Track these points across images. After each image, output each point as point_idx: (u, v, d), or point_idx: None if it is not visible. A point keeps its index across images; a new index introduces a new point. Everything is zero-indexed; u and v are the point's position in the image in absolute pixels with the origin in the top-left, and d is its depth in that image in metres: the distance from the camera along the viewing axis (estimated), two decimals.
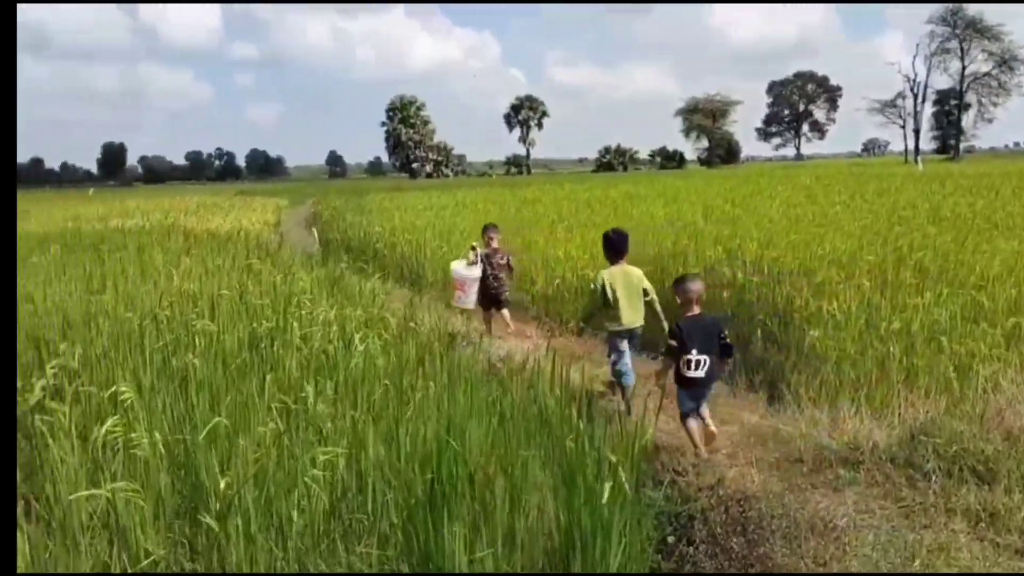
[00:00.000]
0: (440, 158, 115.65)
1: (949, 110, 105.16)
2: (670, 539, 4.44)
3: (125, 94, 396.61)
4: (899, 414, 5.62)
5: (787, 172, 51.12)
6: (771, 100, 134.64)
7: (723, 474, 5.09)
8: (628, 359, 6.59)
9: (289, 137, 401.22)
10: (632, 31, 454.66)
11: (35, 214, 29.62)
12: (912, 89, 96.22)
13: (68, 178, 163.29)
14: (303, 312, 6.89)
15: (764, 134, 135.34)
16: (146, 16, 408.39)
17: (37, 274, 9.62)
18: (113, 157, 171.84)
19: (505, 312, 9.42)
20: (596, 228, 12.32)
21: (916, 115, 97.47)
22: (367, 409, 4.82)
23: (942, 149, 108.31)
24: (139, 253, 11.92)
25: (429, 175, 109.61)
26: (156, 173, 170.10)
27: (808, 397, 6.10)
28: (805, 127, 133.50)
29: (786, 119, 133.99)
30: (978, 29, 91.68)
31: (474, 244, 9.43)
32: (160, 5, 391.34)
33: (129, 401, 4.39)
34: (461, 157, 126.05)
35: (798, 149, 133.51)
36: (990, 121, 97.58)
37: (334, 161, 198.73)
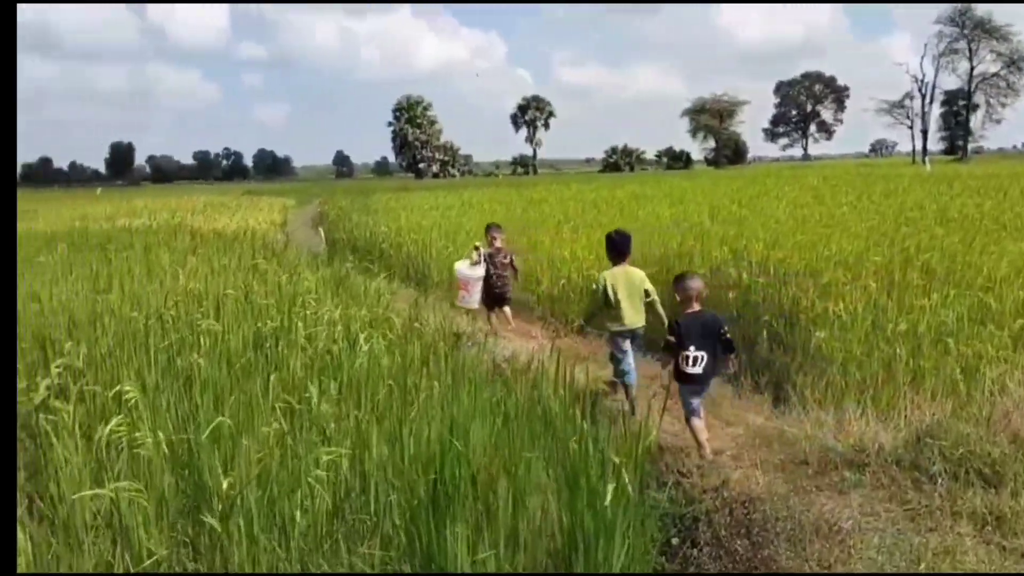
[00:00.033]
0: (446, 158, 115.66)
1: (957, 111, 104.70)
2: (674, 541, 4.42)
3: (133, 94, 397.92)
4: (905, 416, 5.59)
5: (794, 172, 50.96)
6: (778, 100, 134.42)
7: (728, 476, 5.07)
8: (631, 359, 6.61)
9: (296, 137, 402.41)
10: (639, 31, 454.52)
11: (43, 213, 29.74)
12: (920, 89, 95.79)
13: (76, 177, 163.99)
14: (308, 312, 6.89)
15: (771, 134, 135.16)
16: (154, 16, 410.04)
17: (44, 273, 9.65)
18: (121, 157, 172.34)
19: (507, 309, 9.45)
20: (602, 228, 12.28)
21: (924, 116, 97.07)
22: (371, 409, 4.81)
23: (950, 150, 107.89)
24: (145, 253, 11.95)
25: (435, 175, 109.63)
26: (164, 172, 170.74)
27: (814, 399, 6.08)
28: (812, 127, 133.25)
29: (793, 119, 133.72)
30: (986, 29, 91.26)
31: (477, 244, 9.46)
32: (168, 5, 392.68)
33: (133, 401, 4.39)
34: (467, 157, 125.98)
35: (805, 149, 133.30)
36: (998, 122, 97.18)
37: (341, 161, 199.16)
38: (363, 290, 9.06)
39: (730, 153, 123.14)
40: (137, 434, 4.05)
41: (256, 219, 26.88)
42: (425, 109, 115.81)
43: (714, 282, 9.04)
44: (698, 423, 5.59)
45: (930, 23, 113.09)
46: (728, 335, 5.58)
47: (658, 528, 4.41)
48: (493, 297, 9.31)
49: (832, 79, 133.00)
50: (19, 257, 11.37)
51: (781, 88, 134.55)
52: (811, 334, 6.88)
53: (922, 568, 3.93)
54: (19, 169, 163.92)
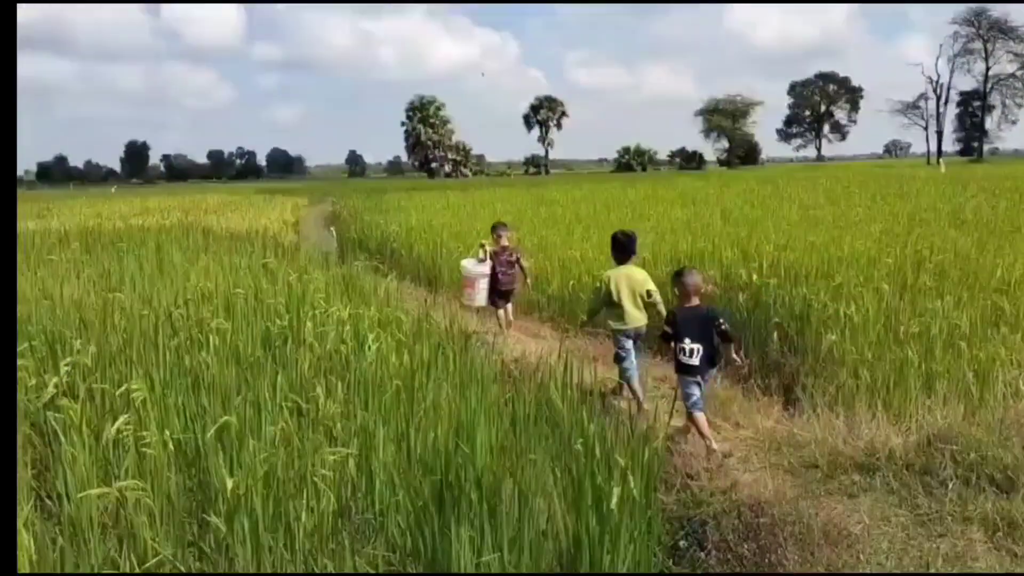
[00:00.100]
0: (459, 158, 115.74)
1: (973, 111, 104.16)
2: (682, 544, 4.40)
3: (149, 93, 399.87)
4: (916, 420, 5.55)
5: (807, 173, 50.80)
6: (792, 101, 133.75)
7: (736, 479, 5.03)
8: (633, 359, 6.69)
9: (310, 137, 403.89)
10: (652, 32, 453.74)
11: (57, 211, 29.95)
12: (935, 90, 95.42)
13: (91, 176, 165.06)
14: (317, 312, 6.89)
15: (785, 135, 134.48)
16: (169, 17, 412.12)
17: (56, 271, 9.71)
18: (136, 155, 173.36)
19: (508, 307, 9.49)
20: (613, 229, 12.19)
21: (939, 116, 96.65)
22: (378, 410, 4.80)
23: (965, 151, 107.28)
24: (157, 251, 12.00)
25: (448, 175, 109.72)
26: (178, 171, 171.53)
27: (824, 401, 6.03)
28: (826, 128, 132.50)
29: (807, 120, 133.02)
30: (1003, 30, 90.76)
31: (484, 242, 9.57)
32: (184, 5, 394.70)
33: (141, 399, 4.39)
34: (480, 157, 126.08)
35: (819, 150, 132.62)
36: (1014, 123, 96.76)
37: (354, 160, 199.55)
38: (372, 290, 9.06)
39: (743, 154, 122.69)
40: (144, 433, 4.06)
41: (268, 218, 26.96)
42: (438, 109, 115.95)
43: (725, 284, 9.01)
44: (701, 416, 5.64)
45: (946, 24, 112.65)
46: (724, 326, 5.74)
47: (666, 531, 4.39)
48: (499, 295, 9.39)
49: (846, 79, 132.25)
50: (32, 255, 11.46)
51: (795, 88, 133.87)
52: (822, 336, 6.83)
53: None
54: (35, 167, 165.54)
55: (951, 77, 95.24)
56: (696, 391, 5.67)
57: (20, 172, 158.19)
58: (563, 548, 3.72)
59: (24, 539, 3.15)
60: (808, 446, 5.36)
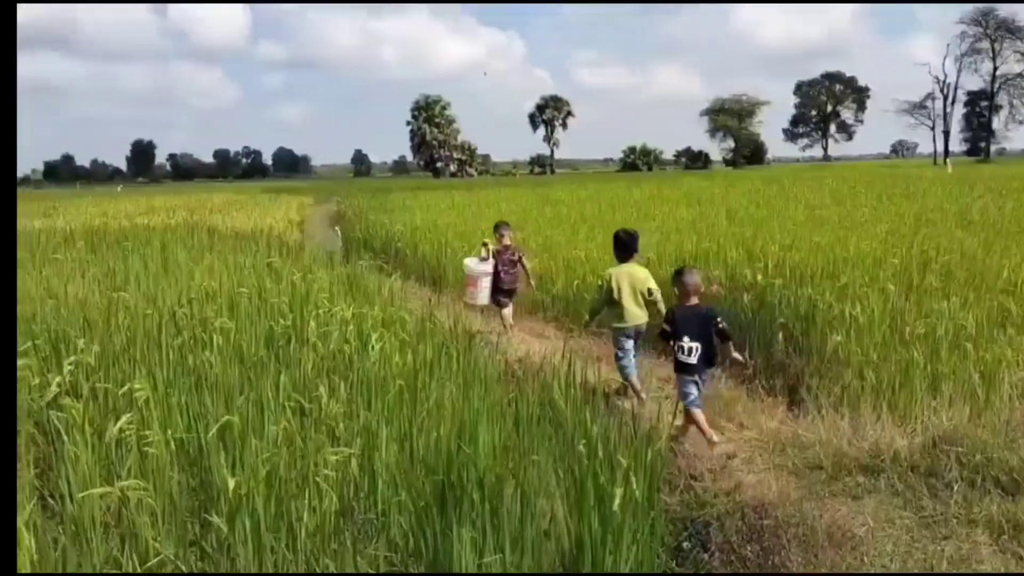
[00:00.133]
0: (464, 157, 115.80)
1: (980, 111, 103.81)
2: (685, 545, 4.38)
3: (155, 93, 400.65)
4: (921, 421, 5.52)
5: (813, 173, 50.68)
6: (798, 100, 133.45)
7: (740, 480, 5.01)
8: (632, 357, 6.79)
9: (315, 136, 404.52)
10: (658, 31, 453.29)
11: (63, 210, 30.03)
12: (942, 90, 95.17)
13: (98, 175, 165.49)
14: (321, 311, 6.89)
15: (791, 135, 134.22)
16: (176, 17, 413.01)
17: (61, 270, 9.73)
18: (142, 154, 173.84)
19: (509, 308, 9.50)
20: (618, 229, 12.23)
21: (946, 116, 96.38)
22: (381, 410, 4.79)
23: (972, 151, 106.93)
24: (162, 250, 12.02)
25: (453, 174, 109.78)
26: (184, 170, 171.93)
27: (829, 402, 6.00)
28: (832, 128, 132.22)
29: (813, 120, 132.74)
30: (1010, 30, 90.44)
31: (486, 240, 9.61)
32: (190, 5, 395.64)
33: (144, 398, 4.39)
34: (485, 156, 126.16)
35: (825, 150, 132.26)
36: (1022, 123, 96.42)
37: (359, 160, 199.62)
38: (376, 289, 9.06)
39: (749, 153, 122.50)
40: (147, 432, 4.06)
41: (274, 217, 27.00)
42: (443, 108, 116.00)
43: (730, 284, 8.99)
44: (699, 413, 5.69)
45: (953, 23, 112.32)
46: (722, 325, 5.79)
47: (669, 532, 4.37)
48: (502, 294, 9.42)
49: (853, 79, 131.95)
50: (37, 254, 11.50)
51: (801, 88, 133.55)
52: (827, 337, 6.79)
53: None
54: (41, 166, 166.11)
55: (958, 77, 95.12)
56: (693, 390, 5.71)
57: (27, 171, 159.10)
58: (565, 549, 3.71)
59: (26, 538, 3.14)
60: (812, 447, 5.34)
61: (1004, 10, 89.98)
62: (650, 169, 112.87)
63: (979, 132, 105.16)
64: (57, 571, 3.27)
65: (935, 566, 3.93)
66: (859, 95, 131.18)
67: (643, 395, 6.65)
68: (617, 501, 3.49)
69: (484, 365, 6.02)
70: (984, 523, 4.26)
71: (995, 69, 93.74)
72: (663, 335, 5.88)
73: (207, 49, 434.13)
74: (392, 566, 3.60)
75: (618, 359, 6.80)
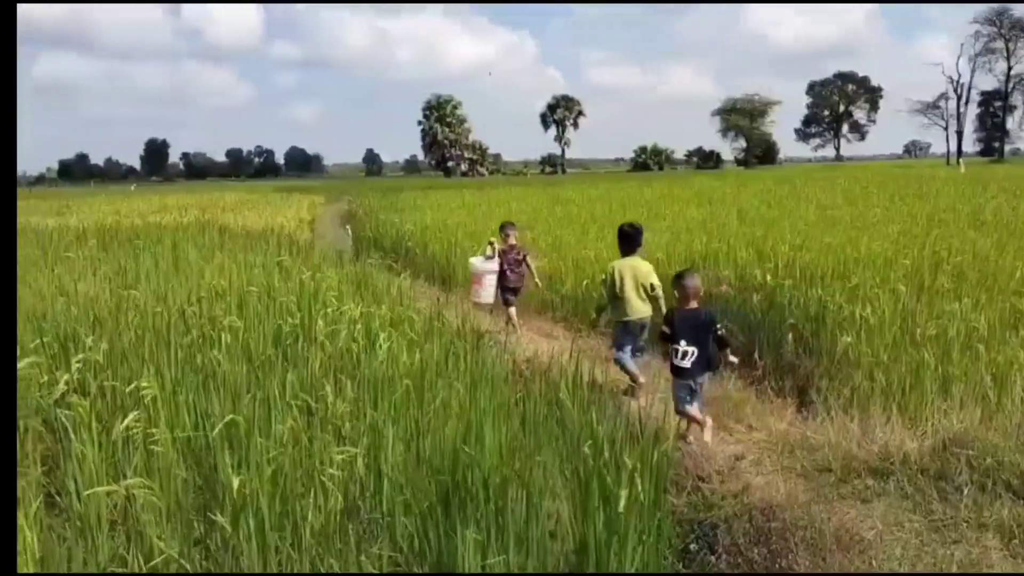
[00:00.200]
0: (475, 157, 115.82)
1: (994, 111, 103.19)
2: (692, 547, 4.36)
3: (169, 92, 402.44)
4: (932, 424, 5.47)
5: (826, 173, 50.46)
6: (811, 100, 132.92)
7: (748, 482, 4.98)
8: (628, 352, 6.89)
9: (328, 135, 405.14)
10: (670, 31, 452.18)
11: (76, 209, 30.22)
12: (956, 90, 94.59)
13: (112, 173, 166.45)
14: (329, 310, 6.89)
15: (803, 135, 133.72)
16: (190, 16, 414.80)
17: (72, 269, 9.78)
18: (156, 153, 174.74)
19: (512, 311, 9.55)
20: None
21: (959, 116, 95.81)
22: (387, 409, 4.79)
23: (986, 151, 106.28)
24: (173, 249, 12.06)
25: (464, 174, 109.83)
26: (197, 169, 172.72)
27: (838, 404, 5.96)
28: (845, 128, 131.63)
29: (826, 120, 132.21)
30: None
31: (492, 239, 9.71)
32: (203, 5, 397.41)
33: (151, 397, 4.40)
34: (496, 156, 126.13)
35: (837, 150, 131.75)
36: None
37: (371, 159, 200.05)
38: (385, 288, 9.06)
39: (761, 153, 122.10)
40: (154, 430, 4.07)
41: (285, 216, 27.07)
42: (455, 108, 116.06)
43: (740, 284, 8.95)
44: (691, 409, 5.76)
45: (967, 23, 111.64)
46: (721, 332, 5.81)
47: (676, 534, 4.35)
48: (508, 292, 9.52)
49: (865, 79, 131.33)
50: (49, 252, 11.56)
51: (813, 88, 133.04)
52: (837, 338, 6.75)
53: None
54: (56, 165, 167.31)
55: (972, 77, 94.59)
56: (686, 394, 5.76)
57: (42, 170, 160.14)
58: (570, 550, 3.69)
59: (27, 536, 3.15)
60: (821, 449, 5.30)
61: (1018, 10, 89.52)
62: (661, 169, 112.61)
63: (993, 132, 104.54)
64: (62, 568, 3.28)
65: (944, 571, 3.89)
66: (872, 95, 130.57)
67: (641, 379, 6.76)
68: (622, 502, 3.47)
69: (492, 365, 6.01)
70: (995, 527, 4.21)
71: (1009, 69, 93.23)
72: (663, 337, 5.89)
73: (220, 49, 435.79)
74: (397, 566, 3.59)
75: (617, 348, 6.93)
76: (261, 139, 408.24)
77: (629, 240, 7.08)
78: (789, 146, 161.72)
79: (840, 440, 5.34)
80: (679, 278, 5.96)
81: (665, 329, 5.85)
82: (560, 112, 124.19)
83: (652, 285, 6.83)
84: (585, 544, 3.58)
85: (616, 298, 6.90)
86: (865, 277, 8.16)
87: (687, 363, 5.68)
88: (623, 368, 6.88)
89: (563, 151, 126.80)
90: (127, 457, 4.07)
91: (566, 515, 3.83)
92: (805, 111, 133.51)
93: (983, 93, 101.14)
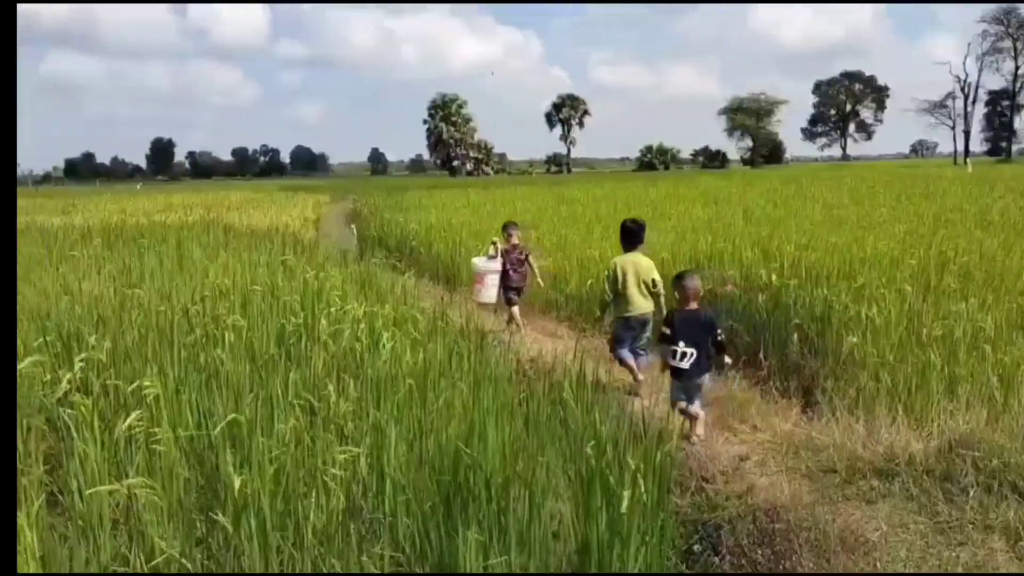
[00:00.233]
0: (481, 156, 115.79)
1: (1001, 111, 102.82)
2: (696, 548, 4.34)
3: (175, 92, 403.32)
4: (938, 425, 5.43)
5: (832, 173, 50.34)
6: (817, 100, 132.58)
7: (752, 482, 4.96)
8: (627, 349, 6.93)
9: (333, 134, 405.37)
10: (676, 30, 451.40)
11: (82, 207, 30.28)
12: (963, 89, 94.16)
13: (118, 172, 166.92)
14: (333, 309, 6.88)
15: (810, 134, 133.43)
16: (196, 16, 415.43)
17: (77, 268, 9.79)
18: (162, 152, 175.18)
19: (515, 310, 9.58)
20: None
21: (966, 116, 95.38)
22: (390, 409, 4.77)
23: (993, 151, 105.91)
24: (178, 248, 12.07)
25: (469, 173, 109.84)
26: (203, 168, 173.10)
27: (844, 405, 5.93)
28: (851, 127, 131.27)
29: (832, 119, 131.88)
30: None
31: (495, 239, 9.80)
32: (209, 5, 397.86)
33: (153, 396, 4.39)
34: (502, 155, 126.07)
35: (844, 150, 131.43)
36: None
37: (376, 158, 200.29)
38: (389, 288, 9.05)
39: (767, 153, 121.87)
40: (156, 430, 4.06)
41: (290, 215, 27.08)
42: (460, 107, 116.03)
43: (745, 284, 8.91)
44: (686, 406, 5.79)
45: (974, 22, 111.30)
46: (721, 336, 5.84)
47: (680, 535, 4.33)
48: (511, 292, 9.57)
49: (872, 78, 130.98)
50: (54, 251, 11.58)
51: (820, 87, 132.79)
52: (843, 338, 6.72)
53: None
54: (63, 164, 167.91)
55: (979, 76, 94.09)
56: (682, 396, 5.79)
57: (48, 168, 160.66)
58: (572, 551, 3.68)
59: (27, 536, 3.14)
60: (826, 450, 5.27)
61: None
62: (667, 168, 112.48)
63: (1000, 132, 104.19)
64: (64, 567, 3.27)
65: (950, 573, 3.87)
66: (878, 94, 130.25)
67: (640, 376, 6.80)
68: (625, 503, 3.45)
69: (496, 364, 5.99)
70: (1000, 529, 4.18)
71: (1017, 68, 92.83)
72: (663, 338, 5.88)
73: (226, 48, 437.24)
74: (399, 566, 3.58)
75: (618, 343, 6.96)
76: (267, 138, 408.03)
77: (631, 236, 7.12)
78: (795, 145, 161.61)
79: (845, 441, 5.31)
80: (679, 279, 5.97)
81: (665, 330, 5.85)
82: (565, 111, 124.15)
83: (653, 281, 6.87)
84: (587, 545, 3.56)
85: (617, 294, 6.93)
86: (871, 277, 8.12)
87: (685, 364, 5.70)
88: (622, 363, 6.91)
89: (568, 150, 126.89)
90: (129, 456, 4.06)
91: (569, 516, 3.81)
92: (811, 110, 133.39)
93: (990, 92, 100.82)
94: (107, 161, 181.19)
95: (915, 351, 6.35)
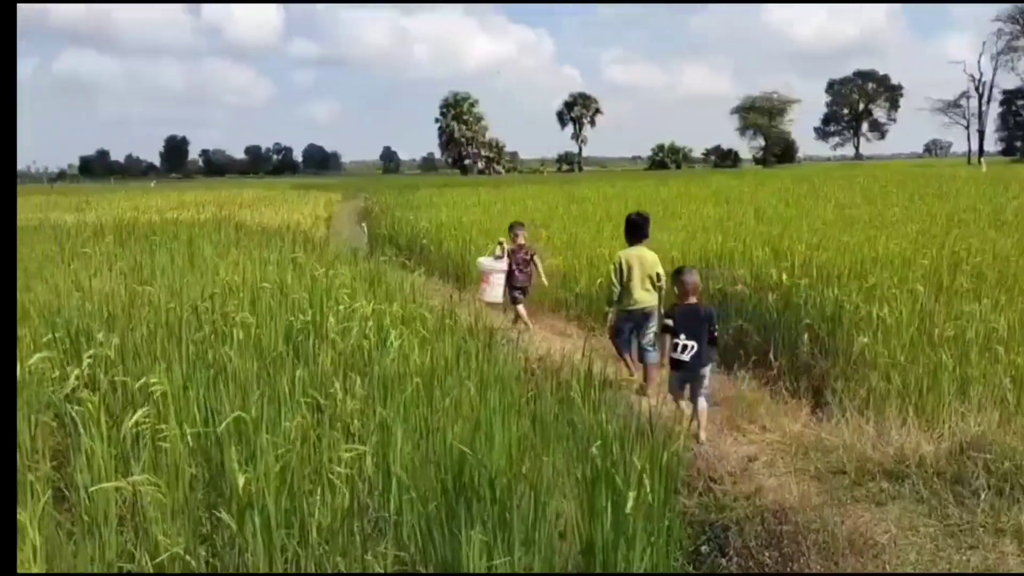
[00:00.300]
0: (492, 155, 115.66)
1: (1016, 110, 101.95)
2: (703, 549, 4.31)
3: (189, 90, 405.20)
4: (949, 426, 5.39)
5: (845, 172, 50.09)
6: (830, 99, 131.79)
7: (761, 483, 4.93)
8: (628, 337, 7.08)
9: (345, 133, 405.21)
10: (689, 29, 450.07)
11: (95, 205, 30.43)
12: (977, 88, 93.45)
13: (132, 170, 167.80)
14: (341, 307, 6.88)
15: (822, 133, 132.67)
16: (209, 15, 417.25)
17: (88, 265, 9.83)
18: (175, 150, 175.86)
19: (521, 308, 9.65)
20: None
21: (981, 115, 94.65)
22: (397, 407, 4.77)
23: (1008, 150, 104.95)
24: (189, 245, 12.11)
25: (481, 171, 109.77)
26: (216, 166, 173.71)
27: (854, 406, 5.89)
28: (865, 127, 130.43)
29: (845, 118, 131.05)
30: None
31: (501, 240, 9.88)
32: (223, 5, 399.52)
33: (160, 392, 4.40)
34: (513, 154, 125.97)
35: (857, 149, 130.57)
36: None
37: (388, 157, 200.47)
38: (398, 286, 9.05)
39: (779, 152, 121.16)
40: (163, 426, 4.06)
41: (301, 213, 27.14)
42: (472, 106, 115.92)
43: (755, 283, 8.86)
44: (681, 403, 5.92)
45: (989, 21, 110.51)
46: (716, 331, 6.02)
47: (687, 536, 4.31)
48: (517, 291, 9.66)
49: (885, 77, 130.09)
50: (67, 248, 11.64)
51: (833, 86, 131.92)
52: (854, 338, 6.67)
53: None
54: (77, 161, 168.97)
55: (994, 75, 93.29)
56: (681, 388, 5.93)
57: (63, 166, 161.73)
58: (577, 552, 3.66)
59: (29, 533, 3.14)
60: (836, 451, 5.24)
61: None
62: (679, 167, 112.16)
63: (1015, 131, 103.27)
64: (70, 563, 3.28)
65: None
66: (892, 93, 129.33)
67: (634, 371, 6.94)
68: (630, 503, 3.43)
69: (503, 363, 5.98)
70: (1012, 532, 4.14)
71: None
72: (664, 329, 6.01)
73: (240, 47, 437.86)
74: (403, 565, 3.57)
75: (618, 334, 7.08)
76: (280, 137, 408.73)
77: (637, 229, 7.21)
78: (808, 145, 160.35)
79: (855, 442, 5.28)
80: (678, 274, 6.13)
81: (668, 322, 5.96)
82: (577, 110, 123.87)
83: (658, 275, 6.95)
84: (592, 545, 3.54)
85: (622, 287, 6.99)
86: (883, 277, 8.06)
87: (686, 356, 5.81)
88: (618, 354, 7.04)
89: (580, 149, 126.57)
90: (136, 453, 4.06)
91: (574, 515, 3.79)
92: (824, 109, 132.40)
93: (1005, 92, 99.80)
94: (121, 159, 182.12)
95: (927, 352, 6.30)
